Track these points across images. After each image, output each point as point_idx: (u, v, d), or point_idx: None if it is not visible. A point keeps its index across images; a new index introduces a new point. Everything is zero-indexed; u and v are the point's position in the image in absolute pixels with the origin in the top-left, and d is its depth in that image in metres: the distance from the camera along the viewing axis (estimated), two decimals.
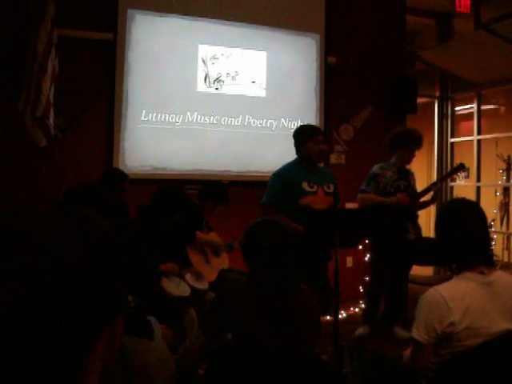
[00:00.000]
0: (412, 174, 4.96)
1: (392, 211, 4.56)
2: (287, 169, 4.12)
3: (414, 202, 4.75)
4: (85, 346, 0.66)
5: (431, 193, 4.80)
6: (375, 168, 4.87)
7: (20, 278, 0.62)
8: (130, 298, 2.33)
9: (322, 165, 4.68)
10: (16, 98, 4.68)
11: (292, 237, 2.40)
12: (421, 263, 5.68)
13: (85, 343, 0.66)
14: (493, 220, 8.22)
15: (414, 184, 4.92)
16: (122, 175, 4.59)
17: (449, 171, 4.88)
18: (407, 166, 4.93)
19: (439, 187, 4.82)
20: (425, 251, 5.19)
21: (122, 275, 0.74)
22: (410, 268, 5.01)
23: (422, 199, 4.83)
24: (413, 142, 4.76)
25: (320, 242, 3.69)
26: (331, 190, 4.13)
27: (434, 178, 8.04)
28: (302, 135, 4.09)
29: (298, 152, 4.15)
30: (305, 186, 3.97)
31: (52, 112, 4.75)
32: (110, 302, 0.70)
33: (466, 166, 8.10)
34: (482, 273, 2.10)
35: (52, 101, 4.75)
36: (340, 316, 5.09)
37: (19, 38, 4.86)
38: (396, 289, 4.92)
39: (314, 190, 3.99)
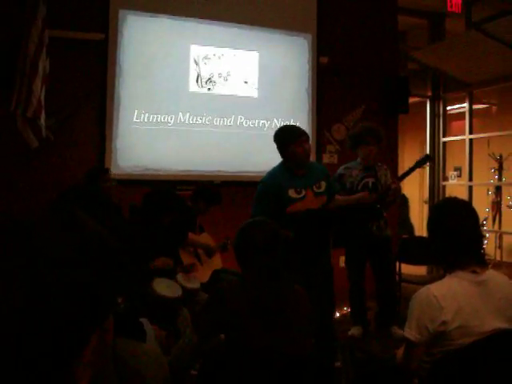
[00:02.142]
0: (384, 170, 4.89)
1: (352, 210, 4.46)
2: (272, 177, 3.88)
3: (382, 196, 4.60)
4: (75, 348, 0.66)
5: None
6: (340, 169, 4.87)
7: (15, 280, 0.62)
8: (119, 300, 2.32)
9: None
10: (7, 99, 4.65)
11: (283, 238, 2.41)
12: (413, 262, 5.70)
13: (75, 346, 0.66)
14: (485, 219, 8.26)
15: (387, 179, 4.80)
16: (102, 168, 4.66)
17: (413, 164, 4.76)
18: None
19: (394, 186, 4.58)
20: (417, 250, 5.22)
21: (115, 277, 0.74)
22: (389, 265, 4.97)
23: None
24: (365, 136, 4.73)
25: (311, 242, 3.67)
26: (322, 188, 3.89)
27: (427, 177, 8.08)
28: (284, 139, 3.84)
29: (282, 155, 3.92)
30: (291, 193, 3.76)
31: (43, 113, 4.72)
32: (100, 304, 0.70)
33: (458, 165, 8.18)
34: (474, 272, 2.11)
35: (43, 102, 4.73)
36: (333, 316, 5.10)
37: (11, 39, 4.84)
38: (383, 288, 4.91)
39: (301, 195, 3.77)
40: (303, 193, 3.80)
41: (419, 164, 4.69)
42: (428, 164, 4.76)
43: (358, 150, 4.83)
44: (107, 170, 4.71)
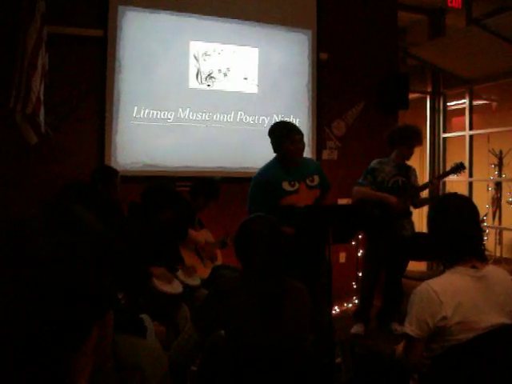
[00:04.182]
0: (413, 171, 4.97)
1: (383, 206, 4.58)
2: (266, 171, 3.95)
3: (413, 199, 4.78)
4: (74, 343, 0.66)
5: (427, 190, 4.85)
6: (374, 163, 4.89)
7: (11, 278, 0.61)
8: (120, 296, 2.32)
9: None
10: (6, 96, 4.65)
11: (284, 234, 2.42)
12: (414, 258, 5.70)
13: (74, 341, 0.66)
14: (485, 215, 8.26)
15: (416, 180, 4.93)
16: (113, 171, 4.60)
17: (448, 169, 4.85)
18: (407, 162, 4.94)
19: (437, 184, 4.83)
20: (418, 246, 5.22)
21: (112, 273, 0.74)
22: (406, 264, 5.02)
23: (421, 196, 4.90)
24: (413, 139, 4.77)
25: (312, 239, 3.68)
26: (315, 182, 3.96)
27: (427, 173, 8.08)
28: (278, 136, 3.90)
29: (275, 150, 3.98)
30: (285, 185, 3.82)
31: (42, 109, 4.71)
32: (99, 300, 0.70)
33: (458, 161, 8.17)
34: (474, 267, 2.11)
35: (42, 98, 4.72)
36: (333, 312, 5.11)
37: (9, 35, 4.83)
38: (393, 285, 4.93)
39: (295, 188, 3.84)
40: (297, 185, 3.87)
41: (453, 171, 4.76)
42: (461, 172, 4.83)
43: (396, 148, 4.85)
44: (117, 174, 4.64)
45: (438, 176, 4.86)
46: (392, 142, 4.88)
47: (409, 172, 4.89)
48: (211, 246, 4.53)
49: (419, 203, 4.93)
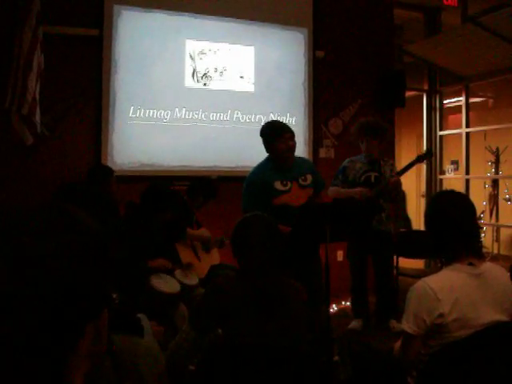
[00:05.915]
0: (389, 165, 4.90)
1: (354, 203, 4.51)
2: (258, 171, 3.96)
3: (385, 193, 4.69)
4: (68, 343, 0.66)
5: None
6: (345, 162, 4.90)
7: (11, 277, 0.61)
8: (114, 295, 2.32)
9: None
10: (2, 96, 4.64)
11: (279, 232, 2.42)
12: (411, 256, 5.71)
13: (68, 340, 0.66)
14: (482, 212, 8.27)
15: (393, 172, 4.80)
16: (108, 170, 4.59)
17: (412, 160, 4.77)
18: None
19: (397, 177, 4.69)
20: (415, 244, 5.22)
21: (108, 273, 0.74)
22: (389, 259, 4.98)
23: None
24: (364, 133, 4.75)
25: (308, 237, 3.68)
26: (308, 181, 3.94)
27: (424, 171, 8.09)
28: (269, 134, 3.90)
29: (267, 150, 3.98)
30: (277, 185, 3.81)
31: (38, 109, 4.71)
32: (93, 299, 0.70)
33: (455, 158, 8.18)
34: (470, 264, 2.11)
35: (38, 98, 4.71)
36: (331, 310, 5.11)
37: (4, 35, 4.82)
38: (382, 282, 4.92)
39: (287, 188, 3.83)
40: (289, 185, 3.86)
41: (420, 159, 4.70)
42: (426, 160, 4.72)
43: (363, 143, 4.83)
44: (112, 173, 4.63)
45: (401, 170, 4.76)
46: (354, 140, 4.87)
47: (383, 167, 4.82)
48: (206, 238, 4.55)
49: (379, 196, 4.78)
